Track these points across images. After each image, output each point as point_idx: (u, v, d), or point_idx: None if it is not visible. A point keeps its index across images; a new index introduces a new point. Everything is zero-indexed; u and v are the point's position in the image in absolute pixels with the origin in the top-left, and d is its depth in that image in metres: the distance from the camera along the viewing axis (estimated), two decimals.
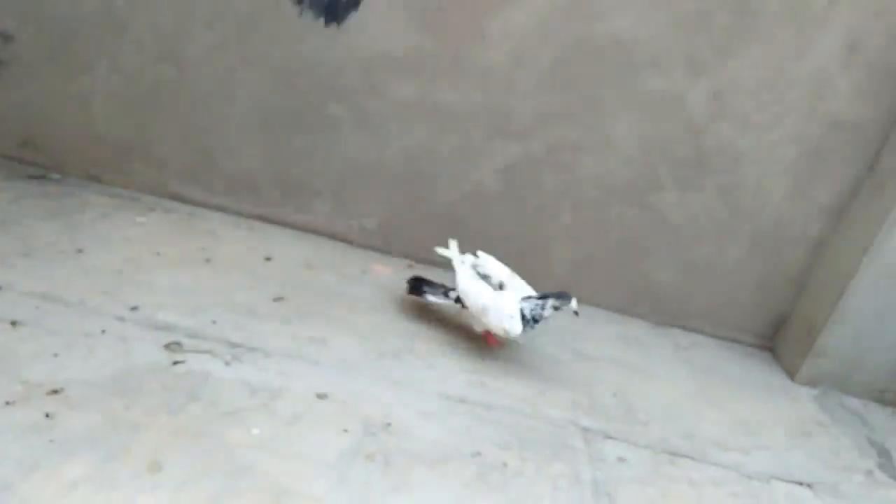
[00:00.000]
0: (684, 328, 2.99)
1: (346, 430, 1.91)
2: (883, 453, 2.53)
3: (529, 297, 2.37)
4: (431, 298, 2.51)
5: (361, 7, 2.55)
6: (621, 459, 2.13)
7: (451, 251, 2.53)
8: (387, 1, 2.53)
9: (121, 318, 2.10)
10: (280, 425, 1.87)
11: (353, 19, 2.53)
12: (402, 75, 2.63)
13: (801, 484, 2.25)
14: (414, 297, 2.54)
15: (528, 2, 2.52)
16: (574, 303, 2.33)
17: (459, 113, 2.67)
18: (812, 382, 2.82)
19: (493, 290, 2.39)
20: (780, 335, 2.98)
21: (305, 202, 2.82)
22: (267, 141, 2.75)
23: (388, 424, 1.98)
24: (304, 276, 2.58)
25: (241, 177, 2.81)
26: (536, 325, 2.34)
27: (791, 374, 2.85)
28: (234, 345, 2.11)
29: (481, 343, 2.48)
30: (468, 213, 2.81)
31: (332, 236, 2.86)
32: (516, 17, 2.55)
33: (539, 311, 2.34)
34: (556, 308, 2.34)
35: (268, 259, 2.62)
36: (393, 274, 2.75)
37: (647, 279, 2.91)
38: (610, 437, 2.21)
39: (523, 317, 2.32)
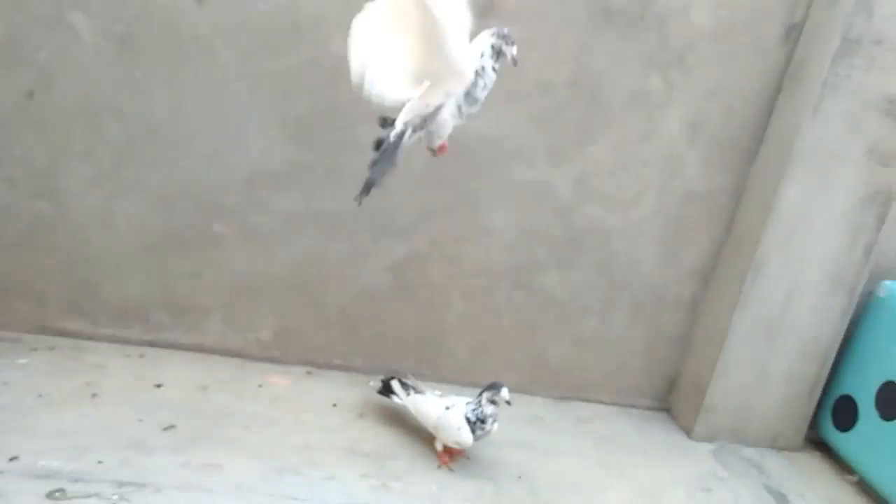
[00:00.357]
0: (584, 400, 3.07)
1: None
2: (780, 498, 2.64)
3: (470, 402, 2.42)
4: (398, 401, 2.55)
5: (237, 126, 2.62)
6: None
7: (400, 395, 2.56)
8: (262, 119, 2.60)
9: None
10: None
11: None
12: (284, 188, 2.69)
13: None
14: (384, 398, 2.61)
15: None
16: (505, 392, 2.36)
17: (343, 218, 2.74)
18: (708, 438, 2.94)
19: (442, 407, 2.43)
20: (673, 395, 3.10)
21: (196, 322, 2.80)
22: (151, 265, 2.74)
23: None
24: (197, 399, 2.54)
25: (126, 304, 2.77)
26: (487, 425, 2.36)
27: (688, 432, 2.96)
28: (121, 483, 2.04)
29: (384, 444, 2.49)
30: (362, 314, 2.85)
31: (227, 353, 2.83)
32: None
33: (479, 409, 2.37)
34: (492, 402, 2.36)
35: (158, 386, 2.57)
36: (291, 384, 2.74)
37: (543, 357, 3.00)
38: None
39: (468, 422, 2.36)
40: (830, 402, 2.98)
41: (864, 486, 2.77)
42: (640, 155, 2.76)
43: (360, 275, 2.81)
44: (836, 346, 2.87)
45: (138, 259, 2.73)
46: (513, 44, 1.85)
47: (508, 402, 2.37)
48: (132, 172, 2.64)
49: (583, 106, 2.70)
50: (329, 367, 2.88)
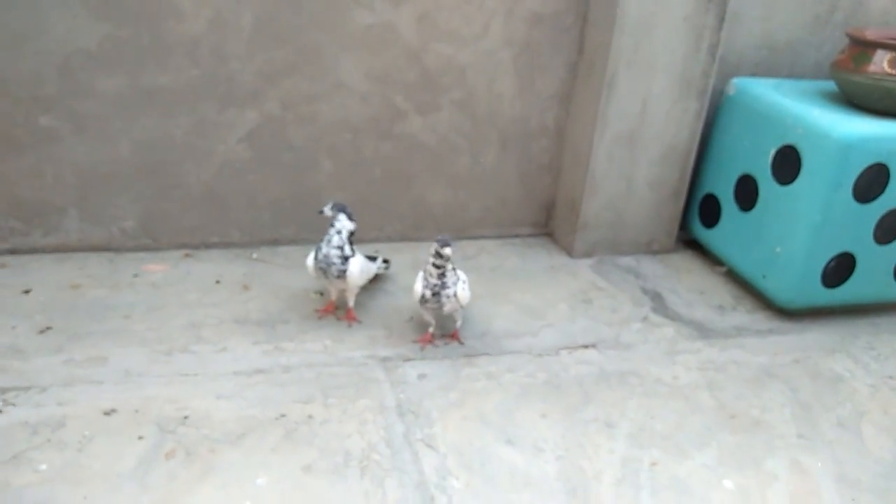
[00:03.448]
0: (469, 238, 3.14)
1: (140, 437, 1.90)
2: (655, 297, 2.84)
3: None
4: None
5: (32, 7, 2.38)
6: (422, 376, 2.26)
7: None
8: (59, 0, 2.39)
9: None
10: (69, 454, 1.83)
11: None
12: (105, 68, 2.51)
13: (586, 347, 2.49)
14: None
15: None
16: (325, 209, 2.40)
17: (180, 92, 2.60)
18: (588, 254, 3.09)
19: None
20: (552, 219, 3.22)
21: (52, 223, 2.66)
22: None
23: (186, 418, 1.98)
24: (71, 298, 2.46)
25: None
26: (324, 248, 2.37)
27: (569, 251, 3.10)
28: (3, 390, 2.00)
29: (273, 310, 2.51)
30: (227, 187, 2.78)
31: (95, 248, 2.72)
32: None
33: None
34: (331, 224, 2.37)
35: (26, 292, 2.46)
36: (169, 269, 2.69)
37: (422, 203, 3.04)
38: (409, 360, 2.33)
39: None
40: (696, 202, 3.17)
41: (731, 275, 3.01)
42: None
43: (214, 149, 2.71)
44: (694, 149, 3.00)
45: None
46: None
47: (321, 212, 2.40)
48: None
49: None
50: (207, 246, 2.83)
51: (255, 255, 2.83)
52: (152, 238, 2.78)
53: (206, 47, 2.57)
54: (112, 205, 2.69)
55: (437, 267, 2.28)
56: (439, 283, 2.28)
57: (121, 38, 2.48)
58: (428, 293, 2.29)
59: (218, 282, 2.64)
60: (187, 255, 2.79)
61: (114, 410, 1.97)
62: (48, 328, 2.29)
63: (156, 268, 2.68)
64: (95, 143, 2.60)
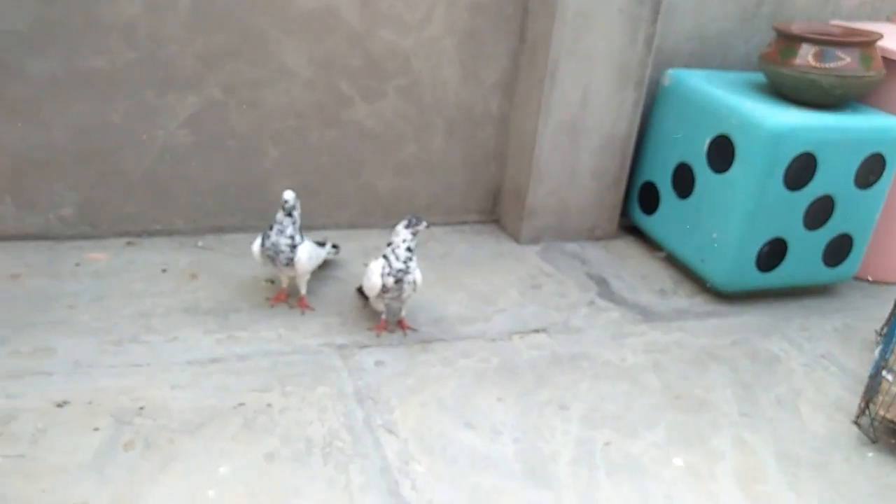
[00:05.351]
0: None
1: (97, 429, 1.85)
2: (600, 283, 2.92)
3: None
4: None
5: None
6: (379, 363, 2.27)
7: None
8: None
9: None
10: (23, 447, 1.77)
11: None
12: (37, 50, 2.41)
13: (537, 331, 2.55)
14: None
15: None
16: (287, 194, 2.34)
17: (117, 76, 2.52)
18: (534, 240, 3.15)
19: None
20: (499, 206, 3.27)
21: None
22: None
23: (141, 408, 1.94)
24: (10, 288, 2.36)
25: None
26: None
27: (516, 238, 3.15)
28: None
29: (223, 299, 2.47)
30: (170, 173, 2.71)
31: (32, 237, 2.61)
32: None
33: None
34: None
35: None
36: (111, 257, 2.60)
37: (370, 189, 3.03)
38: (365, 347, 2.34)
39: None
40: (636, 190, 3.27)
41: (671, 260, 3.12)
42: None
43: (154, 134, 2.64)
44: (633, 138, 3.09)
45: None
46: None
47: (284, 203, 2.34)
48: None
49: None
50: (150, 234, 2.76)
51: (200, 244, 2.77)
52: (92, 226, 2.68)
53: (143, 30, 2.49)
54: (49, 192, 2.59)
55: (411, 249, 2.29)
56: (405, 267, 2.28)
57: (52, 18, 2.39)
58: (390, 281, 2.28)
59: (164, 270, 2.57)
60: (130, 244, 2.71)
61: (66, 402, 1.91)
62: None
63: (98, 256, 2.59)
64: (29, 128, 2.49)
